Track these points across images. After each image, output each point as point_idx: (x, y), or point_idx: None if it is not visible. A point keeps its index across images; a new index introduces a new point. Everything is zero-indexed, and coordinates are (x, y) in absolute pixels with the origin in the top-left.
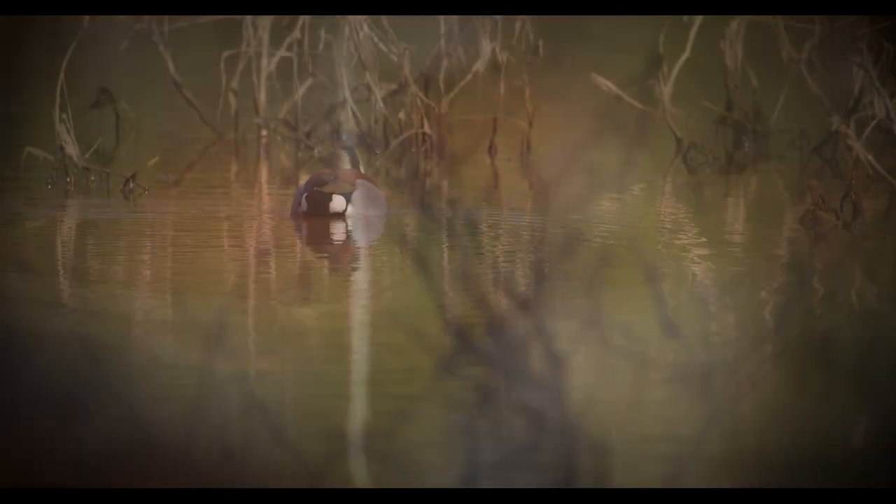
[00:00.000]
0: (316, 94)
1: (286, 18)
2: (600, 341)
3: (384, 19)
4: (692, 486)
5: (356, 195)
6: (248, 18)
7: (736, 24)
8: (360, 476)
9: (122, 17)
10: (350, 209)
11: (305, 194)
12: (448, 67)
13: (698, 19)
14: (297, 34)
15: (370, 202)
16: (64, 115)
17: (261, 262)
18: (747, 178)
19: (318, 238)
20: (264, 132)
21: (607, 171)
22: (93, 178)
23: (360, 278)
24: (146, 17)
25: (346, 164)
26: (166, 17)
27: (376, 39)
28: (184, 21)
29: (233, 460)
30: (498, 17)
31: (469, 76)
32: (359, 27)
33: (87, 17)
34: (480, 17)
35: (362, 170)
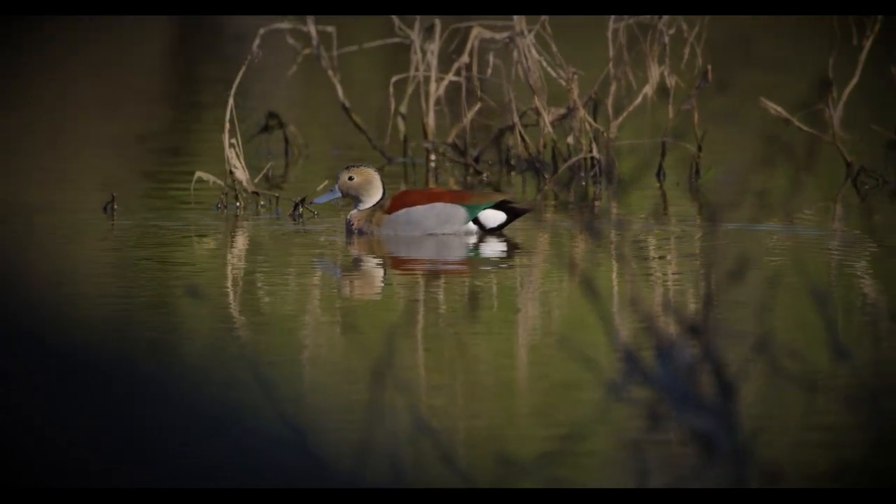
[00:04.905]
0: (484, 119)
1: (454, 43)
2: (770, 365)
3: (553, 44)
4: None
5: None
6: (417, 43)
7: None
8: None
9: (291, 42)
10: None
11: (495, 207)
12: (616, 92)
13: (868, 44)
14: (465, 58)
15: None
16: (233, 141)
17: (430, 285)
18: None
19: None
20: (433, 156)
21: (777, 196)
22: (262, 202)
23: (529, 303)
24: (314, 43)
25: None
26: (335, 43)
27: (545, 64)
28: (352, 46)
29: (402, 484)
30: (666, 41)
31: (638, 100)
32: (527, 51)
33: (256, 43)
34: (648, 42)
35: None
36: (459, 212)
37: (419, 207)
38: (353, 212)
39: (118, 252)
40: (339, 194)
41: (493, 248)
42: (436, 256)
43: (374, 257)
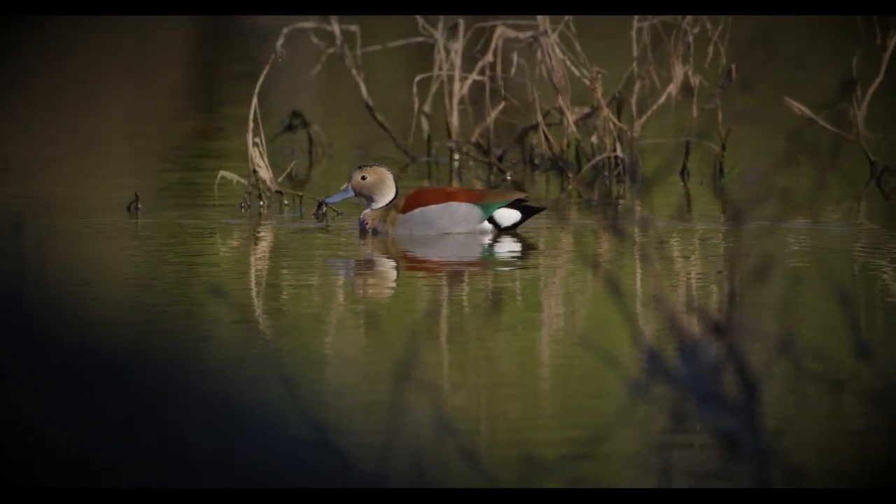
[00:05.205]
0: (508, 118)
1: (478, 43)
2: (794, 365)
3: (576, 43)
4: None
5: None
6: (440, 42)
7: None
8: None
9: (315, 42)
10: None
11: (509, 206)
12: (640, 91)
13: (892, 43)
14: (489, 58)
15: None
16: (257, 140)
17: (451, 284)
18: None
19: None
20: (456, 155)
21: (800, 195)
22: (286, 201)
23: (553, 302)
24: (338, 42)
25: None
26: (359, 42)
27: (569, 63)
28: (376, 45)
29: (426, 485)
30: (690, 40)
31: (661, 99)
32: (551, 51)
33: (280, 42)
34: (673, 41)
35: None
36: (474, 211)
37: (434, 207)
38: (367, 211)
39: (141, 250)
40: (351, 194)
41: (512, 247)
42: (454, 256)
43: (392, 257)
